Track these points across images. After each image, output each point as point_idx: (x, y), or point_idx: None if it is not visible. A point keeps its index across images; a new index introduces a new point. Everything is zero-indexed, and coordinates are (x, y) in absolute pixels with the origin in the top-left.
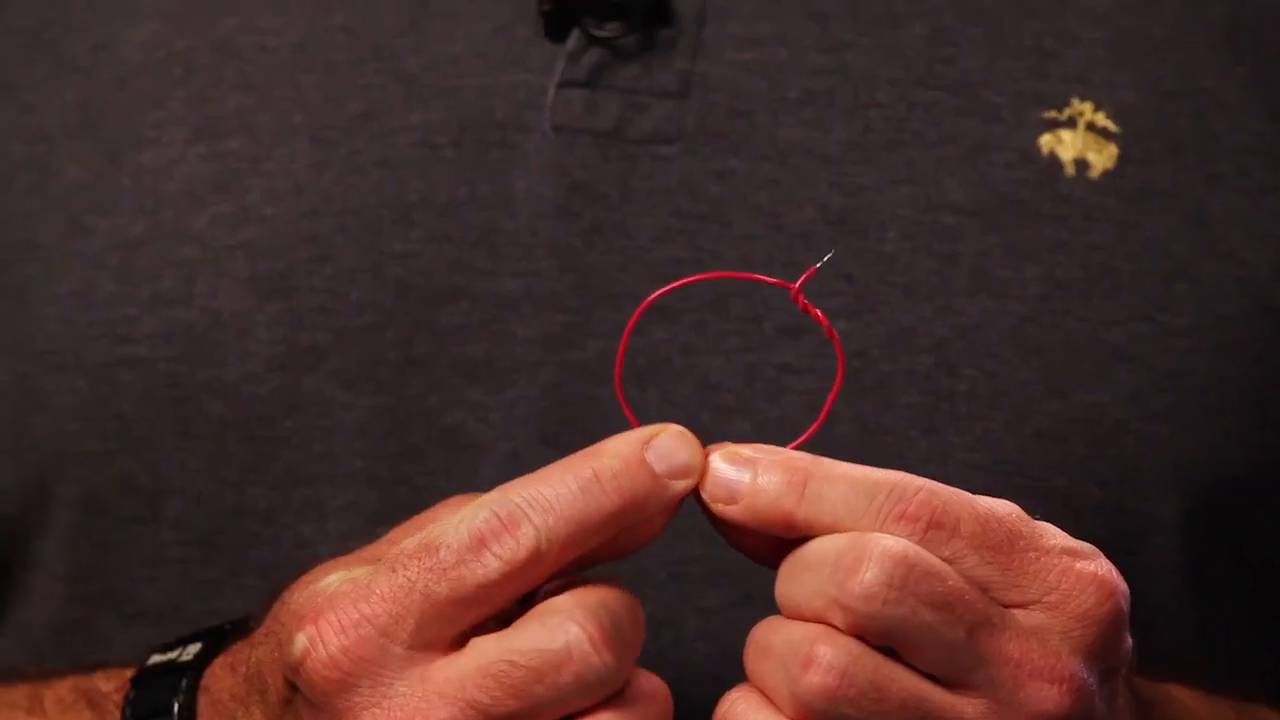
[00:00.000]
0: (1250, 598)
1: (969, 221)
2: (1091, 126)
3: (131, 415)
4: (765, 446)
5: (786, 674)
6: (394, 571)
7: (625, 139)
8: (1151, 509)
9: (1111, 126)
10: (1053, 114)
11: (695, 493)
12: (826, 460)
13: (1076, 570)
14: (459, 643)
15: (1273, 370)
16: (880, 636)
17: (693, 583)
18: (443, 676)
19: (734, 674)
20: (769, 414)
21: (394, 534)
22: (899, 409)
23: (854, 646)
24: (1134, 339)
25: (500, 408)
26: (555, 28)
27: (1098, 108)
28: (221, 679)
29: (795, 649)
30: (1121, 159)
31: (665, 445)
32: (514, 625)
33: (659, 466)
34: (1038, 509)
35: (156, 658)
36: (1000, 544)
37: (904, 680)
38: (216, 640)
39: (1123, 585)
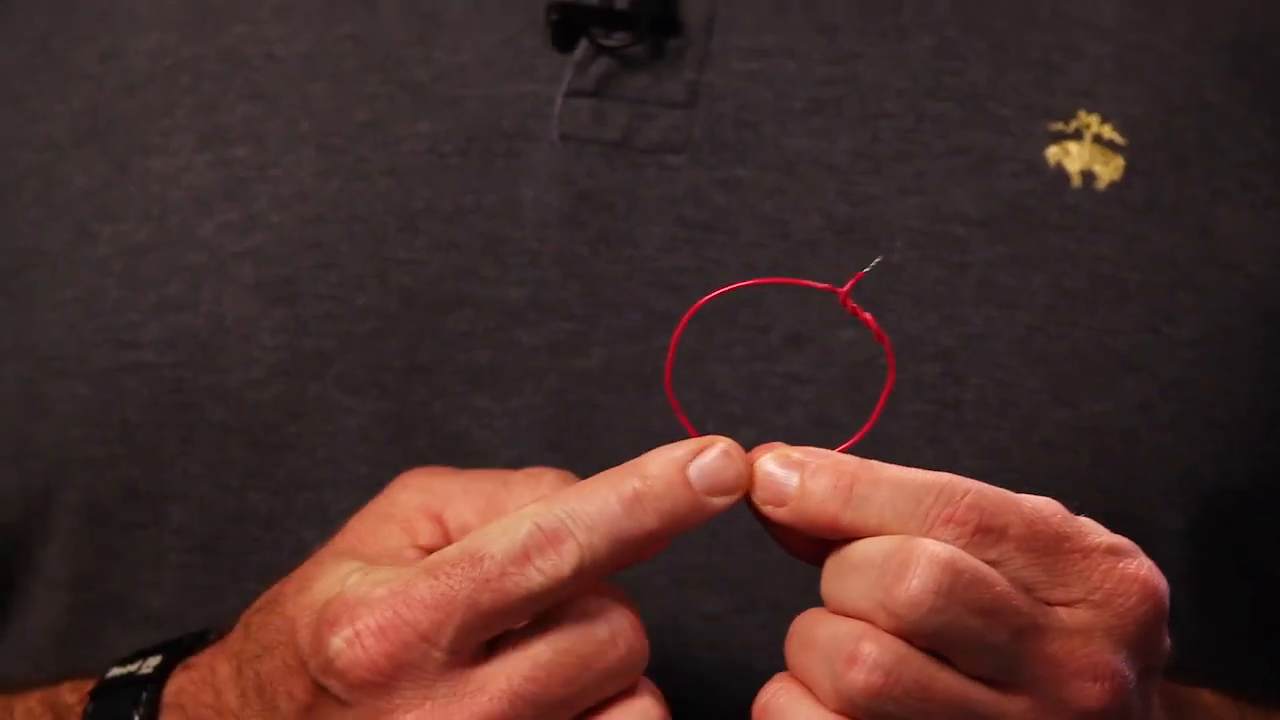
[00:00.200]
0: (1254, 607)
1: (976, 232)
2: (1098, 139)
3: (135, 421)
4: (814, 449)
5: (830, 669)
6: (435, 578)
7: (632, 148)
8: (1157, 518)
9: (1118, 139)
10: (1060, 126)
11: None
12: (874, 463)
13: (1119, 570)
14: (490, 643)
15: (1277, 381)
16: (925, 640)
17: (695, 589)
18: (487, 674)
19: (736, 680)
20: (775, 423)
21: (352, 524)
22: (906, 418)
23: (900, 646)
24: (1140, 349)
25: (505, 415)
26: (563, 38)
27: (1104, 120)
28: (196, 693)
29: (840, 645)
30: (1128, 171)
31: (711, 464)
32: (554, 620)
33: (700, 485)
34: None
35: (116, 670)
36: (1046, 545)
37: (948, 681)
38: (177, 652)
39: (1163, 584)
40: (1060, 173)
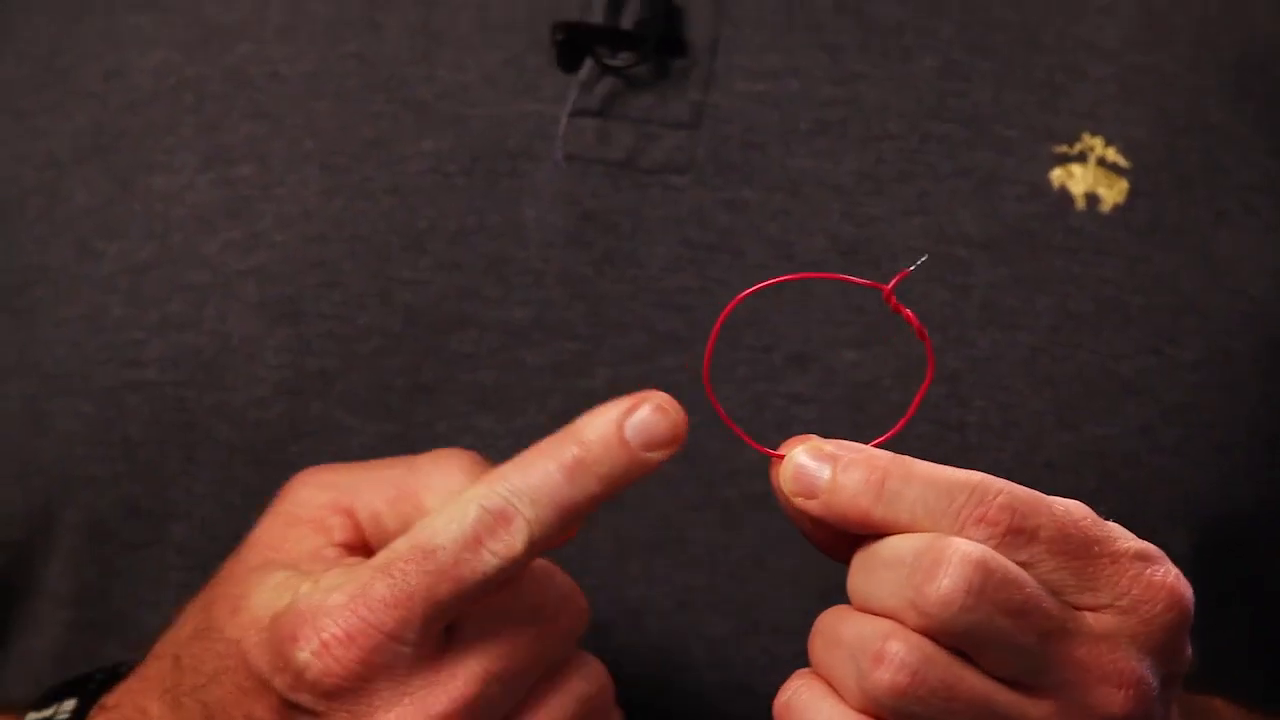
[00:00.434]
0: (1256, 628)
1: (980, 254)
2: (1102, 161)
3: (138, 439)
4: (847, 443)
5: (856, 667)
6: (391, 576)
7: (637, 168)
8: (1160, 541)
9: (1122, 161)
10: (1064, 148)
11: (775, 485)
12: (907, 459)
13: (1147, 577)
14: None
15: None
16: (953, 640)
17: (699, 611)
18: (457, 659)
19: (741, 702)
20: (777, 443)
21: (257, 534)
22: (910, 439)
23: (927, 645)
24: (1143, 372)
25: (509, 435)
26: (568, 57)
27: (1108, 143)
28: None
29: (866, 643)
30: (1131, 194)
31: (645, 420)
32: (507, 594)
33: (637, 441)
34: None
35: (32, 715)
36: (1076, 549)
37: (973, 681)
38: (92, 694)
39: (1189, 592)
40: (1064, 195)
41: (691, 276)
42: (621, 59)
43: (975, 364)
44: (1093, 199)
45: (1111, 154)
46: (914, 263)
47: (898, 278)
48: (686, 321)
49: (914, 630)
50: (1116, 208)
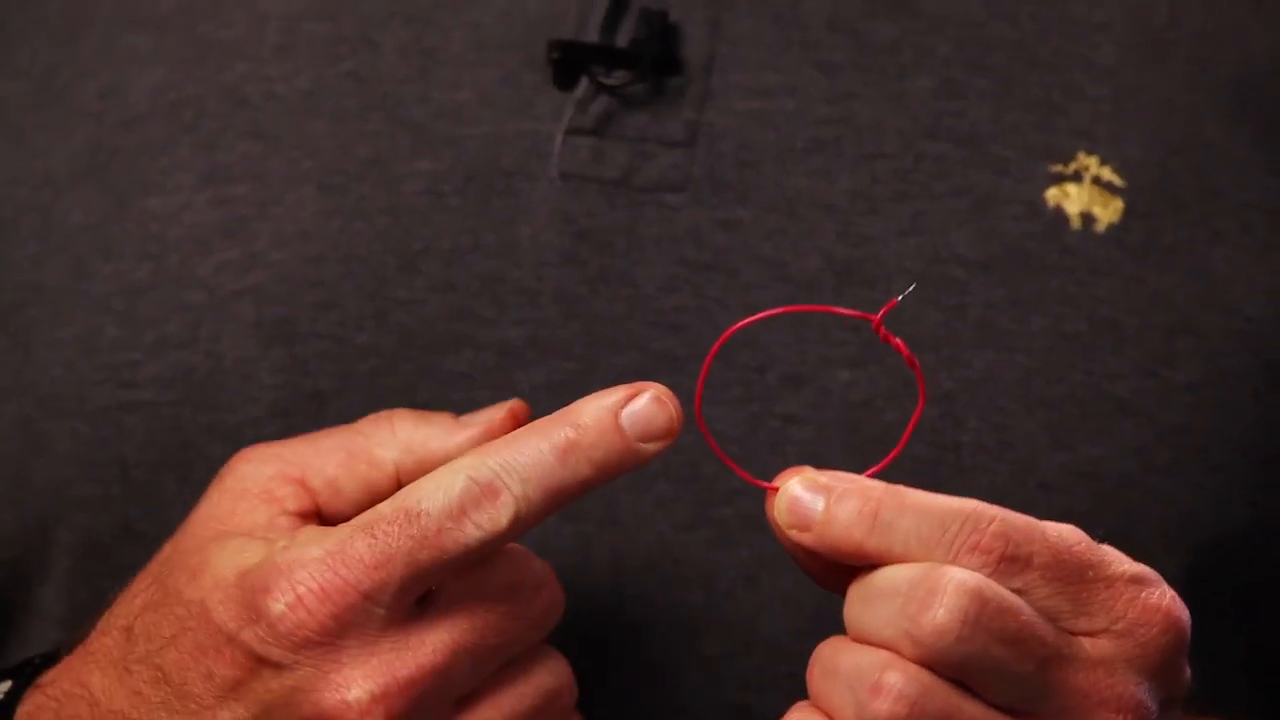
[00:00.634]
0: (1251, 649)
1: (975, 274)
2: (1097, 181)
3: (133, 460)
4: (841, 474)
5: (854, 698)
6: (373, 536)
7: (632, 187)
8: (1154, 562)
9: (1117, 181)
10: (1059, 168)
11: (770, 517)
12: (901, 489)
13: (1142, 600)
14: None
15: (1276, 425)
16: (950, 669)
17: (694, 631)
18: (427, 627)
19: None
20: (771, 463)
21: (201, 513)
22: (904, 460)
23: (925, 676)
24: (1138, 393)
25: None
26: (563, 76)
27: (1104, 162)
28: (60, 709)
29: (864, 674)
30: (1127, 213)
31: (643, 411)
32: (486, 571)
33: (633, 431)
34: None
35: None
36: (1071, 574)
37: (972, 711)
38: (28, 675)
39: (1185, 614)
40: (1060, 215)
41: (687, 296)
42: (617, 77)
43: (970, 384)
44: (1088, 219)
45: (1107, 173)
46: (903, 292)
47: (886, 308)
48: (682, 341)
49: (911, 660)
50: (1111, 227)
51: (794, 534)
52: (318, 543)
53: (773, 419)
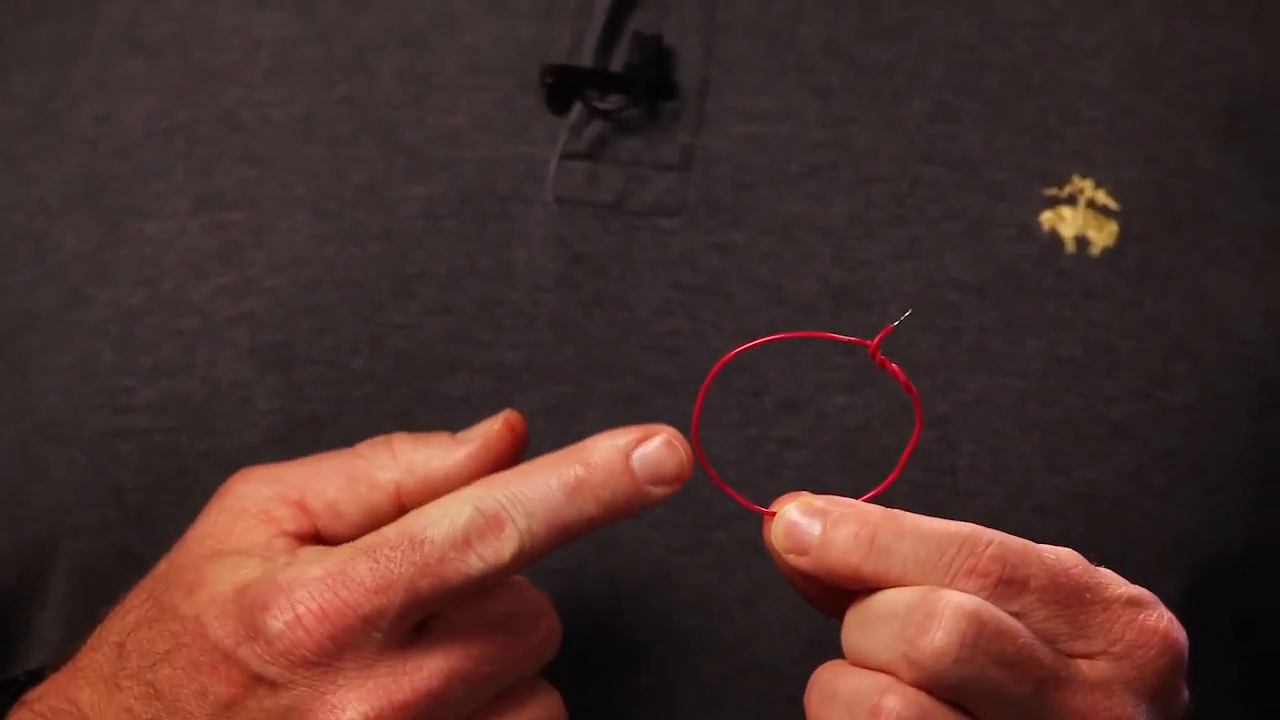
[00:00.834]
0: (1248, 672)
1: (970, 297)
2: (1092, 204)
3: (129, 486)
4: (838, 498)
5: None
6: (375, 560)
7: (627, 211)
8: (1151, 584)
9: (1112, 204)
10: (1054, 191)
11: (767, 542)
12: (897, 513)
13: (1139, 622)
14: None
15: (1272, 447)
16: (949, 692)
17: (692, 654)
18: (424, 652)
19: None
20: (768, 488)
21: (198, 532)
22: (899, 483)
23: (923, 699)
24: (1133, 416)
25: None
26: (557, 100)
27: (1098, 185)
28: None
29: (862, 698)
30: (1122, 237)
31: (654, 454)
32: (485, 599)
33: (643, 474)
34: None
35: None
36: (1068, 597)
37: None
38: (14, 693)
39: (1182, 636)
40: (1054, 238)
41: (682, 319)
42: (611, 102)
43: (965, 408)
44: (1083, 242)
45: (1101, 196)
46: (899, 318)
47: (881, 334)
48: (677, 364)
49: (909, 684)
50: (1106, 251)
51: (791, 559)
52: (319, 562)
53: (769, 443)
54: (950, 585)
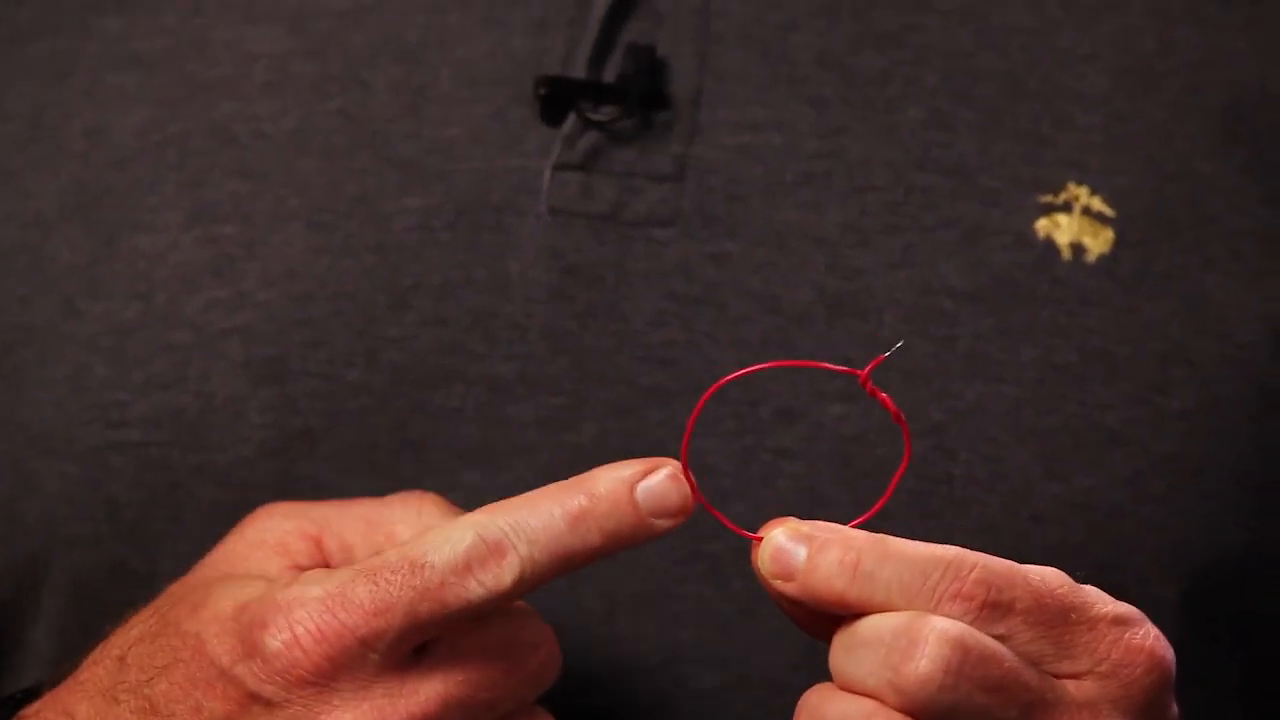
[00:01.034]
0: (1247, 678)
1: (966, 305)
2: (1087, 211)
3: (123, 500)
4: (823, 524)
5: None
6: (374, 583)
7: (621, 222)
8: (1149, 592)
9: (1107, 211)
10: (1049, 198)
11: (754, 567)
12: (882, 537)
13: (1126, 640)
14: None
15: (1270, 452)
16: (935, 718)
17: (687, 665)
18: (421, 677)
19: None
20: (764, 498)
21: (214, 556)
22: (896, 493)
23: None
24: (1130, 423)
25: (496, 491)
26: (551, 112)
27: (1093, 192)
28: None
29: None
30: (1117, 243)
31: (658, 486)
32: (484, 625)
33: (647, 506)
34: None
35: None
36: (1053, 618)
37: None
38: (10, 708)
39: (1169, 653)
40: (1050, 245)
41: (676, 330)
42: (604, 113)
43: (961, 416)
44: (1078, 249)
45: (1097, 203)
46: (892, 346)
47: (873, 364)
48: (671, 375)
49: (895, 710)
50: (1102, 258)
51: (778, 584)
52: (319, 584)
53: (765, 453)
54: (935, 610)
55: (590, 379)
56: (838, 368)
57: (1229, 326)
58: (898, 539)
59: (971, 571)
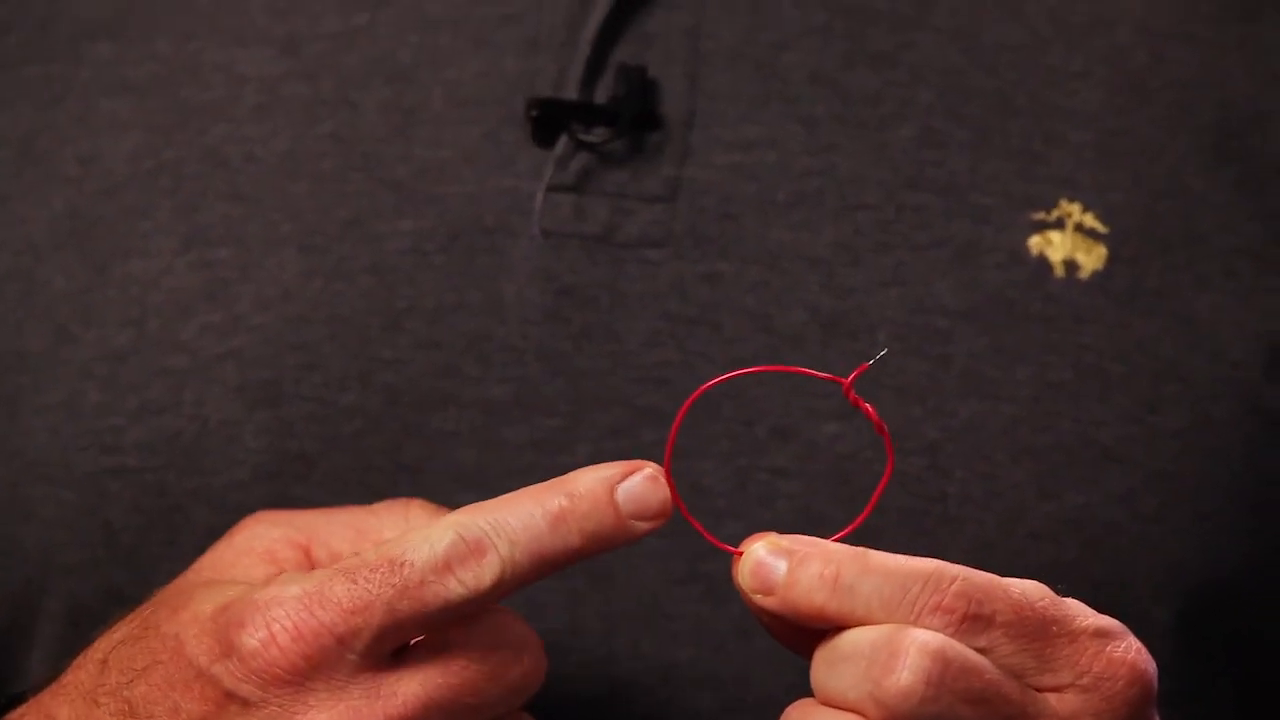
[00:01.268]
0: (1242, 696)
1: (959, 323)
2: (1080, 228)
3: (119, 525)
4: (803, 538)
5: None
6: (353, 581)
7: (614, 243)
8: (1143, 610)
9: (1100, 227)
10: (1041, 215)
11: (735, 582)
12: (862, 550)
13: (1107, 653)
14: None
15: (1264, 471)
16: None
17: (683, 686)
18: (400, 679)
19: None
20: (761, 517)
21: (203, 562)
22: (891, 511)
23: None
24: (1124, 440)
25: None
26: (543, 133)
27: (1086, 209)
28: None
29: None
30: (1110, 260)
31: (638, 488)
32: (467, 629)
33: (626, 508)
34: None
35: None
36: (1035, 631)
37: None
38: None
39: (1151, 666)
40: (1043, 263)
41: (671, 350)
42: (596, 134)
43: (955, 434)
44: (1071, 266)
45: (1090, 220)
46: (875, 355)
47: (856, 372)
48: (666, 395)
49: None
50: (1095, 275)
51: (758, 598)
52: (297, 582)
53: (761, 473)
54: (915, 623)
55: (585, 400)
56: (821, 374)
57: (1222, 344)
58: (878, 552)
59: (952, 584)
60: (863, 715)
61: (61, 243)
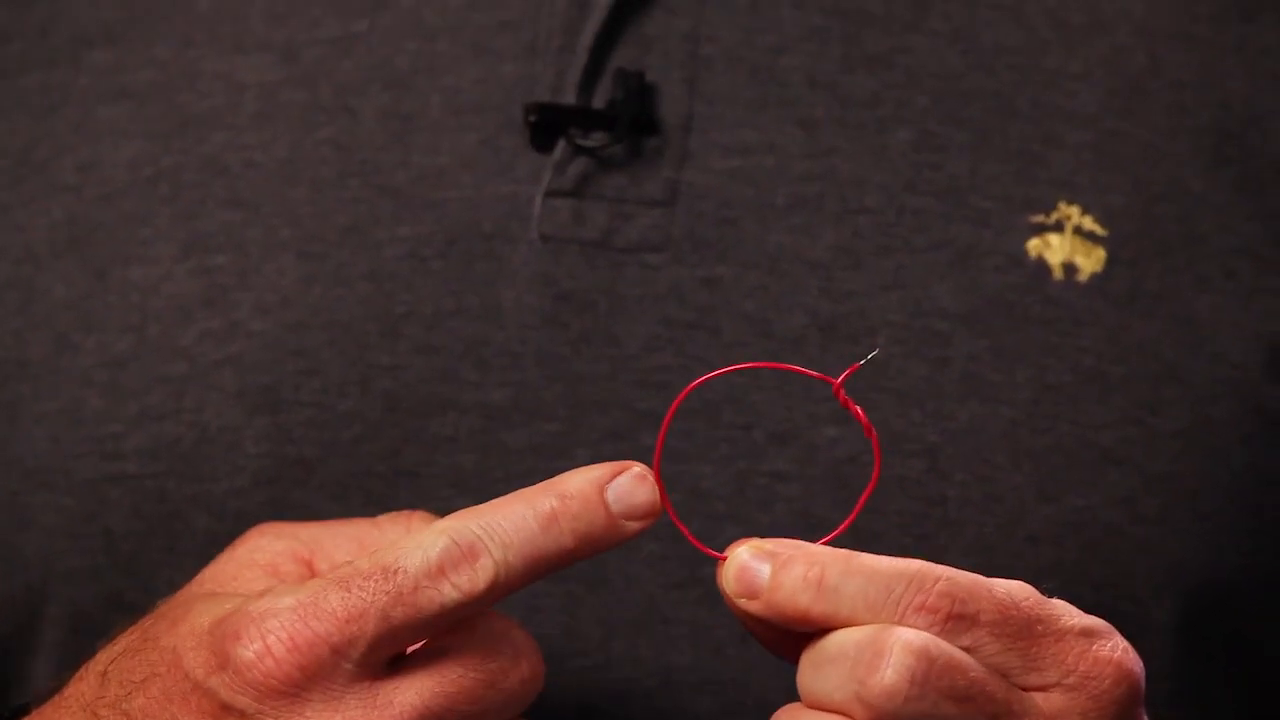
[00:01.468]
0: (1243, 698)
1: (958, 326)
2: (1079, 230)
3: (119, 532)
4: (787, 541)
5: None
6: (347, 590)
7: (612, 248)
8: (1144, 612)
9: (1099, 230)
10: (1040, 218)
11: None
12: (846, 552)
13: (1093, 653)
14: (396, 656)
15: (1264, 471)
16: None
17: (683, 690)
18: (396, 688)
19: None
20: (760, 521)
21: (206, 574)
22: (891, 515)
23: None
24: (1124, 442)
25: None
26: (541, 138)
27: (1085, 211)
28: None
29: None
30: (1109, 262)
31: (625, 487)
32: (463, 636)
33: (616, 507)
34: None
35: None
36: (1019, 630)
37: None
38: None
39: (1138, 665)
40: (1042, 265)
41: (670, 355)
42: (595, 139)
43: (955, 437)
44: (1070, 269)
45: (1088, 222)
46: (866, 356)
47: (847, 372)
48: (665, 400)
49: None
50: (1094, 277)
51: (742, 603)
52: (292, 593)
53: (760, 476)
54: (900, 622)
55: (584, 405)
56: (811, 373)
57: (1221, 346)
58: (862, 554)
59: (936, 584)
60: (849, 716)
61: (61, 250)
